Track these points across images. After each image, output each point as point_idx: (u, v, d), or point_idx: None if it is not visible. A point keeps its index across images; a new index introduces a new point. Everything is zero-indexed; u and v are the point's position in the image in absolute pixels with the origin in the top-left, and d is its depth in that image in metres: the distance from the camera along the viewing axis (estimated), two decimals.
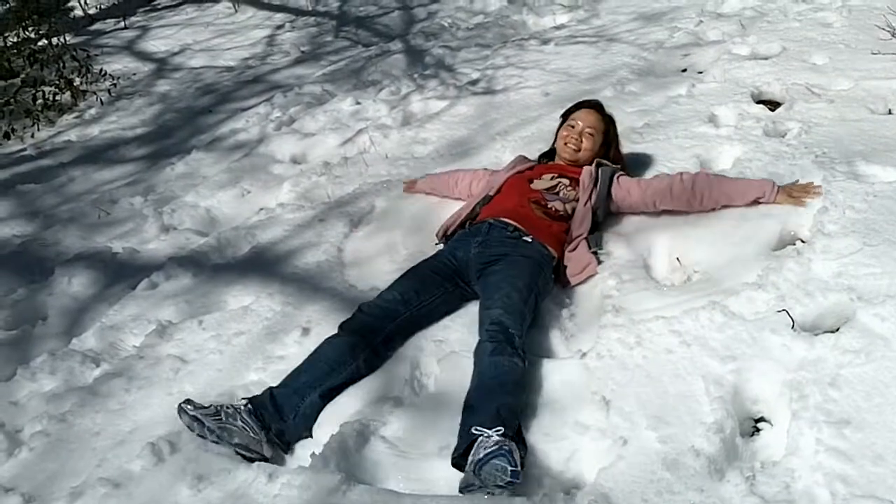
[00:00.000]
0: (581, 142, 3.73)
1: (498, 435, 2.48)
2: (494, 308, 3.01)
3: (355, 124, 5.76)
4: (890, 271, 2.89)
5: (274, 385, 2.96)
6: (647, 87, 5.09)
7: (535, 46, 6.62)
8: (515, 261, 3.21)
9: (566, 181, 3.64)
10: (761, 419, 2.64)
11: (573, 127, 3.77)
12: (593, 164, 3.67)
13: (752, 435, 2.60)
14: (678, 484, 2.35)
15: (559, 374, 2.91)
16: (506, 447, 2.41)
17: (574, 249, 3.40)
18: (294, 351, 3.27)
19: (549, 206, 3.52)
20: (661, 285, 3.24)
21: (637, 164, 4.01)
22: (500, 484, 2.36)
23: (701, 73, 5.15)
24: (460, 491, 2.44)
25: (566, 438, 2.65)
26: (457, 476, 2.56)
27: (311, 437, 2.87)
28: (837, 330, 2.75)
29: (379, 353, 3.08)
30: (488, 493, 2.37)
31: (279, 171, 5.31)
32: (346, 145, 5.41)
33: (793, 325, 2.78)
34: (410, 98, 6.08)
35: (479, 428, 2.53)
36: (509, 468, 2.36)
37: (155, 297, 3.95)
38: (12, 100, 7.81)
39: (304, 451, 2.81)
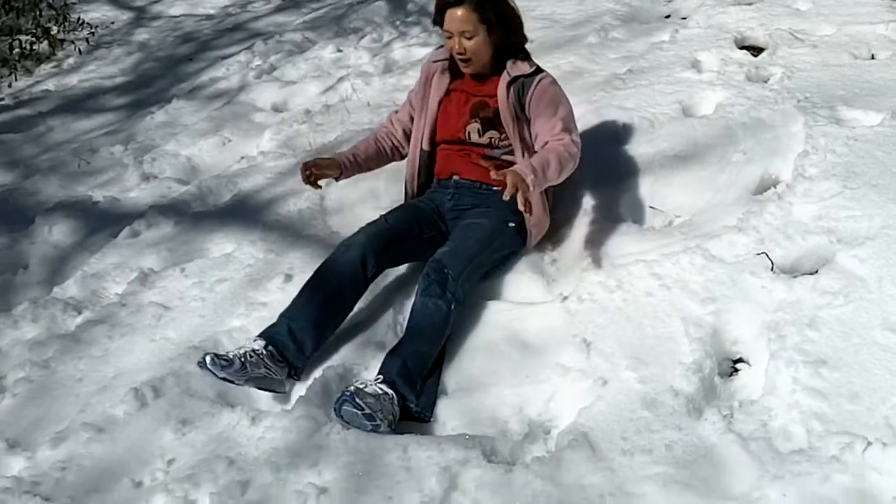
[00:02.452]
0: (464, 48, 3.10)
1: (377, 383, 2.62)
2: (443, 249, 3.03)
3: (337, 72, 5.70)
4: (869, 214, 2.90)
5: (288, 312, 2.94)
6: (630, 34, 5.06)
7: None
8: (484, 212, 3.19)
9: (496, 133, 3.22)
10: (740, 360, 2.67)
11: (450, 36, 3.12)
12: (507, 89, 3.15)
13: (731, 375, 2.64)
14: (657, 422, 2.38)
15: (540, 319, 2.93)
16: (348, 392, 2.53)
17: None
18: (277, 297, 3.27)
19: (500, 158, 3.25)
20: (642, 229, 3.25)
21: (620, 112, 3.99)
22: (361, 427, 2.52)
23: (684, 18, 5.10)
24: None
25: (547, 381, 2.68)
26: (437, 413, 2.68)
27: None
28: (816, 272, 2.77)
29: (379, 272, 3.14)
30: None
31: (260, 120, 5.26)
32: (327, 93, 5.36)
33: (772, 268, 2.80)
34: (392, 45, 6.01)
35: (364, 380, 2.69)
36: (357, 412, 2.50)
37: (137, 245, 3.94)
38: None
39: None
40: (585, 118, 4.02)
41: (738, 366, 2.65)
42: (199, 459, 2.54)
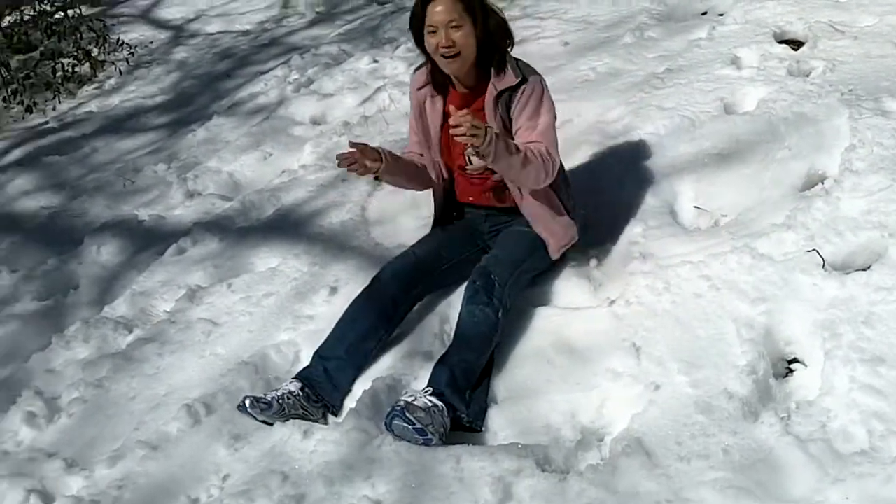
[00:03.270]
0: (452, 41, 2.84)
1: (426, 395, 2.61)
2: (488, 256, 3.02)
3: (373, 83, 5.72)
4: None
5: (321, 351, 2.95)
6: (666, 32, 5.01)
7: None
8: (524, 222, 3.13)
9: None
10: (794, 360, 2.63)
11: (434, 31, 2.86)
12: (494, 106, 2.96)
13: (786, 376, 2.59)
14: (712, 426, 2.35)
15: (588, 323, 2.91)
16: (398, 406, 2.52)
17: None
18: (323, 310, 3.29)
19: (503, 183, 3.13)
20: (688, 230, 3.21)
21: (660, 112, 3.96)
22: (413, 441, 2.51)
23: (721, 15, 5.05)
24: None
25: (597, 387, 2.66)
26: (489, 422, 2.66)
27: None
28: (869, 268, 2.72)
29: (415, 303, 3.13)
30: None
31: (300, 133, 5.30)
32: (365, 104, 5.39)
33: (823, 265, 2.75)
34: None
35: (414, 392, 2.69)
36: (408, 427, 2.49)
37: (183, 262, 3.99)
38: (32, 73, 7.86)
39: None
40: (624, 119, 4.01)
41: (793, 366, 2.61)
42: (253, 475, 2.55)
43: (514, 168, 2.81)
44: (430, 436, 2.49)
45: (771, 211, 3.11)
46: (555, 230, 3.09)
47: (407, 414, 2.49)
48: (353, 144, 2.93)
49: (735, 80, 4.10)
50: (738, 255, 2.89)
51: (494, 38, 2.93)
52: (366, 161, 2.92)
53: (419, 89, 3.12)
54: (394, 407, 2.54)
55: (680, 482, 2.23)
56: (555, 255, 3.11)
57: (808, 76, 3.98)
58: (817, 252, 2.79)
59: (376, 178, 3.21)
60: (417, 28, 2.92)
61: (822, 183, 3.20)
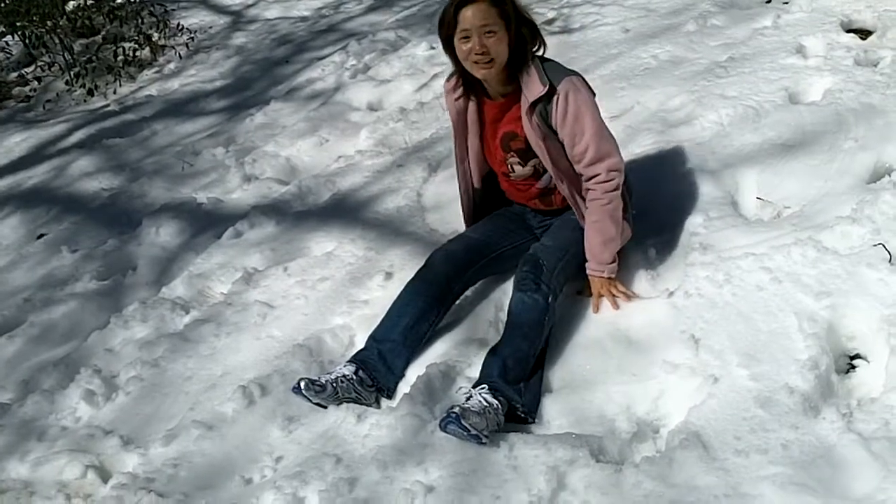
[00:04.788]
0: (486, 47, 2.76)
1: (482, 394, 2.57)
2: (536, 244, 3.00)
3: (430, 69, 5.71)
4: None
5: (376, 334, 2.95)
6: (730, 20, 4.92)
7: None
8: (567, 221, 3.11)
9: (538, 160, 2.99)
10: (857, 356, 2.56)
11: (467, 37, 2.77)
12: (529, 118, 2.87)
13: (848, 372, 2.53)
14: (772, 421, 2.30)
15: (645, 314, 2.87)
16: (454, 413, 2.45)
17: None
18: (378, 295, 3.29)
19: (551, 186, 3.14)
20: (749, 222, 3.15)
21: (722, 101, 3.89)
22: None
23: (786, 3, 4.94)
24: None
25: (654, 378, 2.63)
26: (543, 411, 2.64)
27: None
28: None
29: (466, 287, 3.12)
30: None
31: (356, 119, 5.31)
32: (421, 90, 5.38)
33: (890, 259, 2.68)
34: None
35: (467, 388, 2.68)
36: (463, 433, 2.44)
37: (240, 245, 4.02)
38: (94, 57, 7.97)
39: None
40: (686, 108, 3.95)
41: (855, 362, 2.55)
42: (306, 457, 2.57)
43: (621, 239, 3.00)
44: (484, 441, 2.45)
45: (836, 203, 3.03)
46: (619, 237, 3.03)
47: (462, 421, 2.43)
48: None
49: (801, 70, 4.01)
50: (802, 248, 2.82)
51: (527, 45, 2.86)
52: None
53: (456, 99, 3.06)
54: (449, 413, 2.47)
55: (738, 476, 2.18)
56: None
57: (876, 66, 3.89)
58: (883, 246, 2.72)
59: None
60: (447, 34, 2.83)
61: (890, 175, 3.13)
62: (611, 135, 2.93)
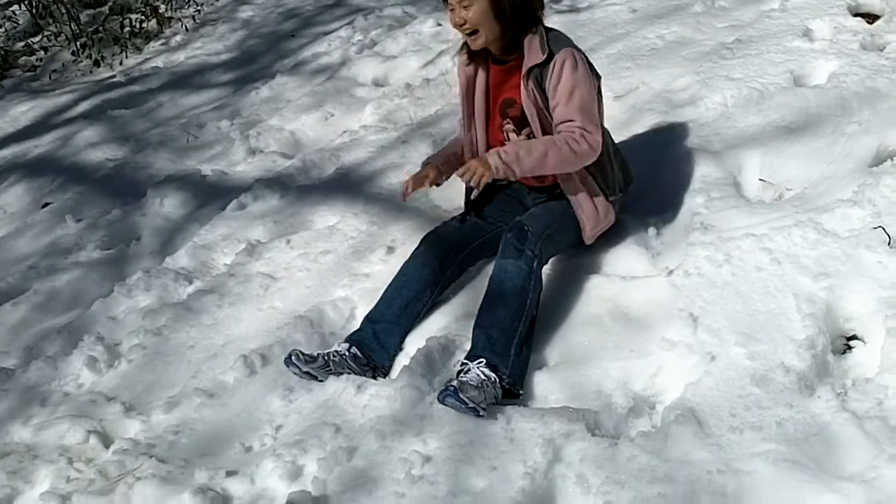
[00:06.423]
0: (464, 19, 2.80)
1: (479, 367, 2.57)
2: (522, 217, 2.99)
3: (436, 46, 5.70)
4: None
5: (371, 315, 2.97)
6: (738, 2, 4.90)
7: None
8: (559, 203, 3.07)
9: (530, 128, 3.00)
10: (853, 337, 2.58)
11: (452, 9, 2.81)
12: (526, 83, 2.87)
13: (844, 352, 2.55)
14: (767, 399, 2.33)
15: (645, 292, 2.89)
16: (452, 387, 2.48)
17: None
18: (379, 269, 3.32)
19: None
20: (751, 203, 3.16)
21: (728, 82, 3.89)
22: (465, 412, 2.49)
23: None
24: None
25: (652, 355, 2.65)
26: (540, 386, 2.66)
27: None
28: None
29: (462, 269, 3.12)
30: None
31: (362, 94, 5.31)
32: (427, 67, 5.38)
33: (889, 242, 2.69)
34: None
35: (465, 361, 2.64)
36: (461, 405, 2.46)
37: (244, 217, 4.04)
38: (101, 28, 7.97)
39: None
40: (691, 89, 3.95)
41: (852, 343, 2.57)
42: (306, 426, 2.60)
43: (545, 167, 2.83)
44: (482, 414, 2.47)
45: (838, 186, 3.04)
46: (590, 213, 3.01)
47: (460, 394, 2.46)
48: (412, 185, 3.04)
49: (806, 53, 4.01)
50: (802, 230, 2.84)
51: (518, 12, 2.83)
52: (425, 182, 3.06)
53: (467, 65, 3.07)
54: (447, 387, 2.50)
55: (732, 452, 2.21)
56: (588, 241, 3.06)
57: (882, 51, 3.88)
58: (883, 229, 2.73)
59: (438, 184, 3.19)
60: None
61: (892, 159, 3.13)
62: (597, 115, 2.91)
